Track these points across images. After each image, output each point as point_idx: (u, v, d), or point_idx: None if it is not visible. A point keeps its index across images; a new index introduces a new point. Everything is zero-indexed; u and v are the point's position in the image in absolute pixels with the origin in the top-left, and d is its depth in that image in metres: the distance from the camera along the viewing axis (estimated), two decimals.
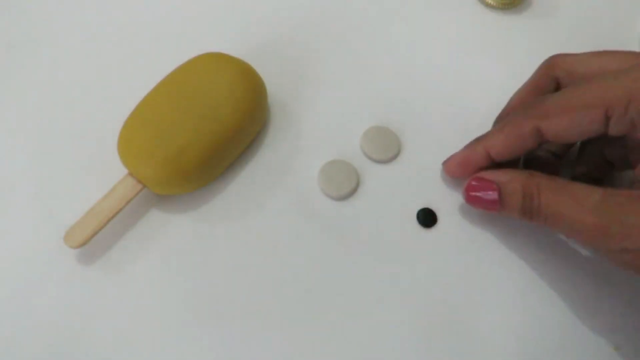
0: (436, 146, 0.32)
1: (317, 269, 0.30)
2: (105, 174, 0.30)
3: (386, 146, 0.32)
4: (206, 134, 0.29)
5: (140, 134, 0.29)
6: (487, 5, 0.38)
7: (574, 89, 0.25)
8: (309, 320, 0.29)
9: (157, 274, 0.30)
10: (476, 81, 0.35)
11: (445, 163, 0.30)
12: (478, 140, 0.29)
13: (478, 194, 0.28)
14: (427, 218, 0.30)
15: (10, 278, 0.30)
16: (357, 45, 0.36)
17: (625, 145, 0.27)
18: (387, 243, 0.29)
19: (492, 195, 0.27)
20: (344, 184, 0.31)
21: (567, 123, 0.25)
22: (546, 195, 0.25)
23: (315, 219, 0.31)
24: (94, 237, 0.29)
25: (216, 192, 0.32)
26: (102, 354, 0.28)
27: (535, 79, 0.29)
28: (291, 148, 0.33)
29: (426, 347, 0.28)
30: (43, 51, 0.37)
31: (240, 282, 0.29)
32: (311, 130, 0.34)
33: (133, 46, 0.37)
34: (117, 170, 0.30)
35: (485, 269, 0.30)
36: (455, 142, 0.31)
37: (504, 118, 0.30)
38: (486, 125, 0.31)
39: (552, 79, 0.28)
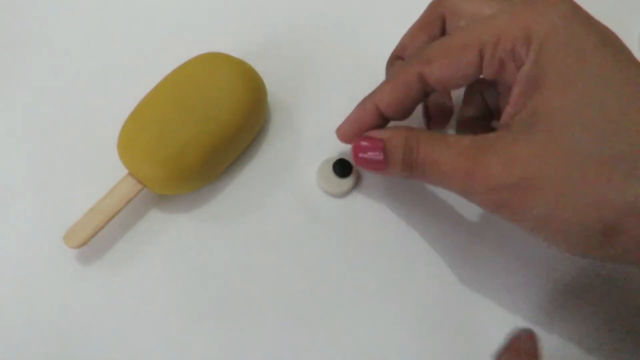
0: None
1: (318, 267, 0.30)
2: (105, 174, 0.30)
3: None
4: (206, 134, 0.29)
5: (141, 134, 0.29)
6: None
7: (453, 34, 0.26)
8: (309, 319, 0.29)
9: (157, 274, 0.30)
10: None
11: (338, 129, 0.30)
12: (367, 97, 0.28)
13: (366, 155, 0.28)
14: (343, 168, 0.31)
15: (10, 278, 0.30)
16: (357, 45, 0.36)
17: (497, 92, 0.29)
18: (387, 240, 0.29)
19: (378, 155, 0.27)
20: (342, 181, 0.31)
21: (446, 67, 0.25)
22: (424, 146, 0.25)
23: (315, 218, 0.31)
24: (94, 237, 0.29)
25: (216, 192, 0.32)
26: (102, 354, 0.28)
27: (422, 18, 0.30)
28: (291, 148, 0.33)
29: (430, 343, 0.28)
30: (43, 51, 0.37)
31: (241, 282, 0.30)
32: (311, 130, 0.34)
33: (133, 46, 0.37)
34: (117, 170, 0.30)
35: (487, 268, 0.30)
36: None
37: (393, 61, 0.31)
38: None
39: (439, 17, 0.29)
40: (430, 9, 0.30)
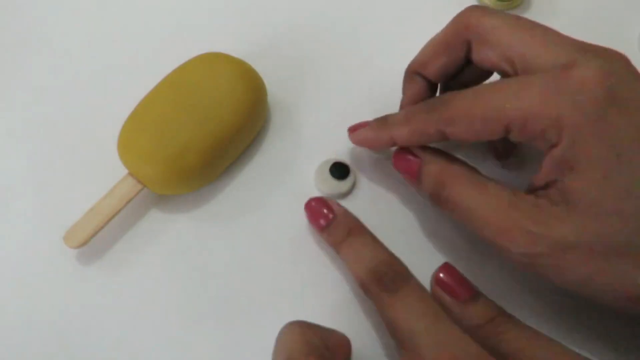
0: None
1: (317, 268, 0.30)
2: (105, 174, 0.30)
3: None
4: (206, 134, 0.29)
5: (141, 134, 0.29)
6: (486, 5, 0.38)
7: (477, 95, 0.25)
8: (309, 318, 0.29)
9: (157, 274, 0.30)
10: None
11: (352, 132, 0.30)
12: (385, 123, 0.28)
13: (403, 165, 0.28)
14: (340, 171, 0.31)
15: (10, 278, 0.30)
16: (357, 45, 0.36)
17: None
18: (385, 240, 0.29)
19: (412, 172, 0.28)
20: (340, 183, 0.31)
21: (469, 132, 0.25)
22: (457, 187, 0.25)
23: None
24: (94, 237, 0.29)
25: (216, 192, 0.32)
26: (102, 354, 0.28)
27: (446, 37, 0.28)
28: (291, 148, 0.33)
29: None
30: (43, 51, 0.37)
31: (240, 282, 0.30)
32: (311, 130, 0.34)
33: (133, 46, 0.37)
34: (117, 170, 0.30)
35: (487, 268, 0.30)
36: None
37: (411, 75, 0.30)
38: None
39: (464, 41, 0.27)
40: (456, 29, 0.28)
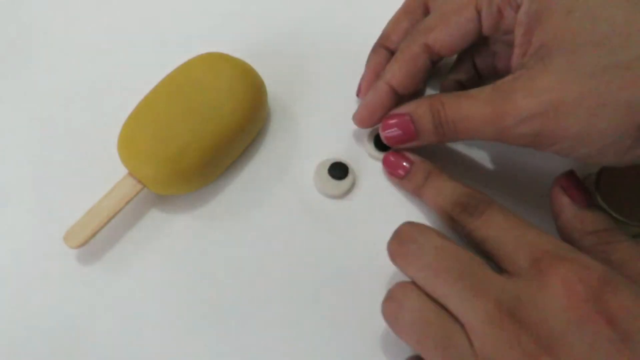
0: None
1: (317, 268, 0.30)
2: (105, 174, 0.30)
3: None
4: (206, 134, 0.29)
5: (141, 134, 0.29)
6: None
7: (446, 1, 0.28)
8: (309, 318, 0.29)
9: (157, 273, 0.30)
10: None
11: (355, 115, 0.31)
12: (377, 81, 0.30)
13: (395, 132, 0.29)
14: (339, 171, 0.31)
15: (10, 278, 0.30)
16: (357, 45, 0.36)
17: (494, 52, 0.30)
18: (385, 241, 0.29)
19: (408, 127, 0.28)
20: (339, 184, 0.31)
21: (448, 30, 0.28)
22: (449, 106, 0.27)
23: (313, 219, 0.31)
24: (94, 237, 0.29)
25: (216, 192, 0.32)
26: (102, 354, 0.28)
27: (405, 6, 0.32)
28: (291, 148, 0.33)
29: None
30: (44, 51, 0.37)
31: (240, 282, 0.29)
32: (311, 130, 0.34)
33: (133, 46, 0.37)
34: (117, 170, 0.30)
35: None
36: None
37: (376, 48, 0.33)
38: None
39: (422, 4, 0.31)
40: None
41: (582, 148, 0.24)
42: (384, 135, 0.30)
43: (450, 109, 0.27)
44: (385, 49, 0.32)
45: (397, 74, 0.29)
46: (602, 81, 0.22)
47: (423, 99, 0.28)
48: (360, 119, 0.31)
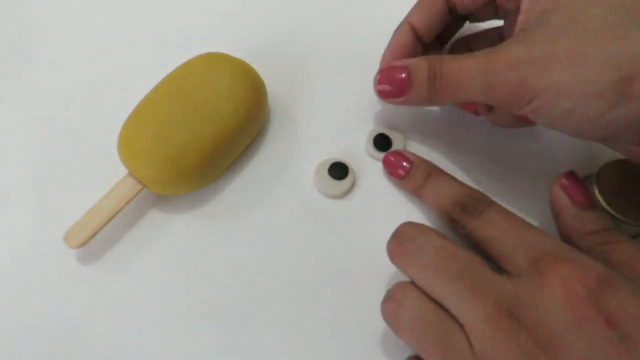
0: (437, 143, 0.33)
1: (316, 268, 0.30)
2: (105, 174, 0.30)
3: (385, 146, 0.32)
4: (206, 134, 0.29)
5: (141, 134, 0.29)
6: None
7: None
8: (309, 318, 0.29)
9: (157, 273, 0.30)
10: None
11: (381, 62, 0.32)
12: (400, 23, 0.32)
13: (388, 83, 0.29)
14: (339, 171, 0.31)
15: (10, 278, 0.30)
16: (358, 45, 0.36)
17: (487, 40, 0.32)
18: (384, 239, 0.29)
19: (400, 75, 0.28)
20: (339, 183, 0.31)
21: None
22: (448, 61, 0.27)
23: (313, 219, 0.31)
24: (94, 237, 0.29)
25: (216, 192, 0.32)
26: (102, 354, 0.28)
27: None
28: (291, 148, 0.33)
29: None
30: (44, 51, 0.37)
31: (240, 281, 0.30)
32: (311, 130, 0.34)
33: (133, 46, 0.37)
34: (117, 170, 0.30)
35: None
36: (455, 137, 0.31)
37: (398, 30, 0.32)
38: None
39: None
40: None
41: (562, 101, 0.23)
42: (377, 86, 0.29)
43: (449, 63, 0.27)
44: (409, 29, 0.32)
45: (416, 13, 0.31)
46: (593, 36, 0.23)
47: (424, 56, 0.28)
48: (384, 60, 0.32)
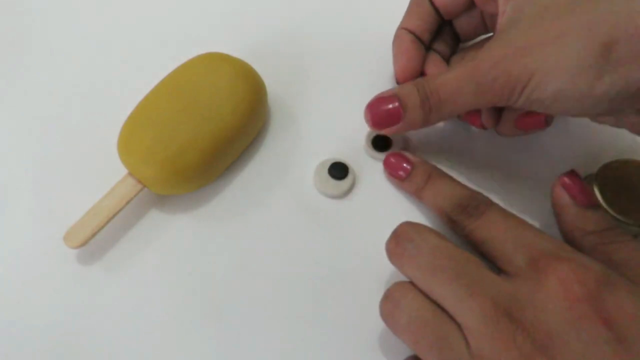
0: (437, 143, 0.33)
1: (316, 268, 0.30)
2: (105, 174, 0.30)
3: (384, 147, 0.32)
4: (206, 134, 0.29)
5: (141, 134, 0.29)
6: None
7: None
8: (309, 318, 0.29)
9: (157, 274, 0.30)
10: None
11: (396, 74, 0.32)
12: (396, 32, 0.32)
13: (381, 111, 0.29)
14: (338, 171, 0.31)
15: (10, 278, 0.30)
16: (357, 45, 0.36)
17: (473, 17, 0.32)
18: (384, 239, 0.29)
19: (393, 104, 0.28)
20: (339, 183, 0.31)
21: None
22: (432, 78, 0.27)
23: (313, 219, 0.31)
24: (94, 237, 0.29)
25: (216, 192, 0.32)
26: (102, 353, 0.28)
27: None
28: (291, 148, 0.33)
29: None
30: (44, 51, 0.37)
31: (240, 281, 0.30)
32: (311, 130, 0.34)
33: (133, 46, 0.37)
34: (117, 170, 0.30)
35: None
36: (455, 139, 0.31)
37: (396, 37, 0.33)
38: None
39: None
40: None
41: (550, 83, 0.23)
42: (369, 120, 0.29)
43: (437, 79, 0.27)
44: (407, 32, 0.32)
45: (407, 19, 0.32)
46: (565, 14, 0.23)
47: (409, 82, 0.29)
48: (400, 72, 0.32)
